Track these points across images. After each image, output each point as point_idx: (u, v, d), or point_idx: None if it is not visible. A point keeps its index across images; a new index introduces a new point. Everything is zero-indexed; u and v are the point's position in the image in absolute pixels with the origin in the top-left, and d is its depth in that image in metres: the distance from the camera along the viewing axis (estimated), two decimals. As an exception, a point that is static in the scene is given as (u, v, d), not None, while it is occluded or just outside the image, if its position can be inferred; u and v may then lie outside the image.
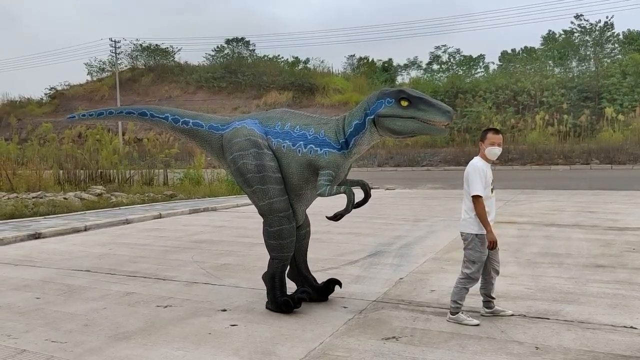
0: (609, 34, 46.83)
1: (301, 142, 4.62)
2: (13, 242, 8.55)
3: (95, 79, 59.86)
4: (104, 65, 59.60)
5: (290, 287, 4.99)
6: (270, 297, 4.75)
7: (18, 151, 26.04)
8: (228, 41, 58.53)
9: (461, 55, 53.55)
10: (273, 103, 46.56)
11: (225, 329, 4.31)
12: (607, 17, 54.92)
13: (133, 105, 5.93)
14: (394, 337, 4.03)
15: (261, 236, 4.87)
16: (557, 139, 33.93)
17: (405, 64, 56.15)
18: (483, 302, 4.52)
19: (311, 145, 4.58)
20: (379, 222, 10.31)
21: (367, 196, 4.86)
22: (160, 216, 11.68)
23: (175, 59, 58.94)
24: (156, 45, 58.51)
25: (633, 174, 23.70)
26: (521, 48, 50.59)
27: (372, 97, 4.49)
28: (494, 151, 4.38)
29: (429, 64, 54.78)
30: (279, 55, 58.23)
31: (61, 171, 18.32)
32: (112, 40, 51.71)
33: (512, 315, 4.49)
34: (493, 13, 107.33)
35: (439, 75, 52.63)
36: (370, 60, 56.45)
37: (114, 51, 52.19)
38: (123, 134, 42.67)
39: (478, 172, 4.31)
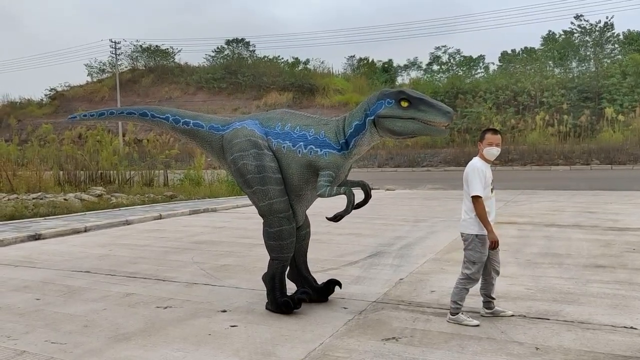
0: (609, 34, 46.86)
1: (301, 143, 4.62)
2: (13, 243, 8.55)
3: (95, 80, 59.90)
4: (104, 66, 59.67)
5: (290, 287, 4.99)
6: (270, 297, 4.75)
7: (18, 152, 26.05)
8: (228, 42, 58.61)
9: (461, 56, 53.61)
10: (273, 104, 46.57)
11: (225, 330, 4.30)
12: (607, 18, 54.94)
13: (134, 106, 5.94)
14: (394, 338, 4.03)
15: (261, 237, 4.87)
16: (557, 140, 33.93)
17: (405, 65, 56.24)
18: (483, 302, 4.52)
19: (311, 146, 4.58)
20: (379, 223, 10.31)
21: (367, 197, 4.85)
22: (160, 217, 11.68)
23: (176, 60, 59.03)
24: (156, 46, 58.59)
25: (633, 174, 23.70)
26: (521, 48, 50.67)
27: (372, 97, 4.49)
28: (492, 151, 4.38)
29: (429, 64, 54.83)
30: (279, 56, 58.34)
31: (61, 172, 18.33)
32: (112, 41, 51.82)
33: (512, 315, 4.49)
34: (493, 14, 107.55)
35: (439, 75, 52.66)
36: (370, 60, 56.50)
37: (114, 52, 52.27)
38: (123, 135, 42.68)
39: (477, 172, 4.31)
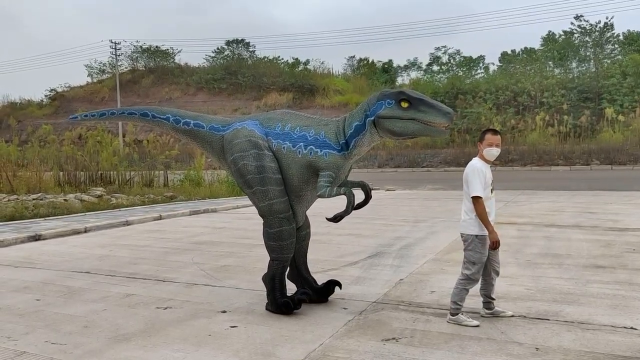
0: (608, 34, 46.86)
1: (301, 144, 4.62)
2: (13, 243, 8.55)
3: (95, 80, 59.90)
4: (104, 67, 59.67)
5: (290, 288, 4.99)
6: (270, 298, 4.75)
7: (18, 153, 26.05)
8: (228, 42, 58.61)
9: (461, 56, 53.61)
10: (273, 104, 46.57)
11: (225, 331, 4.31)
12: (607, 18, 54.90)
13: (134, 106, 5.94)
14: (393, 338, 4.03)
15: (261, 237, 4.87)
16: (557, 140, 33.92)
17: (405, 65, 56.22)
18: (483, 303, 4.52)
19: (311, 146, 4.58)
20: (379, 223, 10.31)
21: (367, 197, 4.85)
22: (160, 218, 11.68)
23: (176, 61, 59.04)
24: (156, 46, 58.59)
25: (633, 174, 23.69)
26: (521, 49, 50.66)
27: (373, 98, 4.49)
28: (492, 152, 4.38)
29: (429, 65, 54.83)
30: (279, 57, 58.38)
31: (61, 173, 18.33)
32: (112, 42, 51.84)
33: (512, 316, 4.49)
34: (493, 14, 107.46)
35: (439, 76, 52.66)
36: (370, 61, 56.50)
37: (114, 53, 52.29)
38: (123, 136, 42.68)
39: (477, 173, 4.31)
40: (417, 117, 4.23)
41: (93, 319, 4.68)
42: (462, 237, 4.43)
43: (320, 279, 5.33)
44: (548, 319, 4.42)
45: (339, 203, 5.69)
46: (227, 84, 52.12)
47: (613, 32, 46.70)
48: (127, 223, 10.81)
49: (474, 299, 4.66)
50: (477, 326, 4.24)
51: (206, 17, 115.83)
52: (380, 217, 11.18)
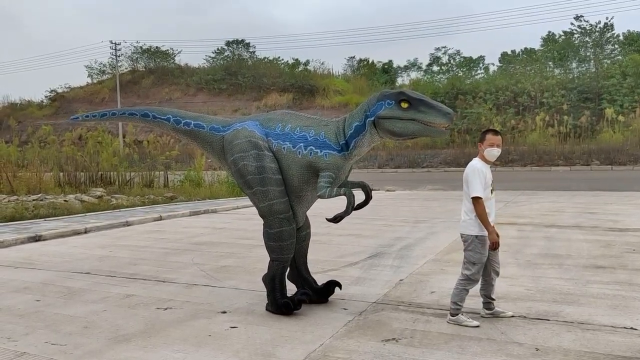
0: (608, 35, 46.87)
1: (301, 144, 4.62)
2: (13, 244, 8.55)
3: (95, 81, 59.92)
4: (105, 68, 59.68)
5: (290, 288, 4.99)
6: (270, 298, 4.75)
7: (18, 154, 26.08)
8: (228, 43, 58.62)
9: (461, 57, 53.63)
10: (273, 105, 46.58)
11: (225, 331, 4.31)
12: (607, 18, 54.94)
13: (135, 107, 5.95)
14: (394, 339, 4.03)
15: (261, 238, 4.87)
16: (558, 140, 33.92)
17: (405, 66, 56.24)
18: (483, 303, 4.52)
19: (311, 147, 4.58)
20: (379, 224, 10.31)
21: (367, 198, 4.85)
22: (160, 218, 11.68)
23: (176, 61, 59.07)
24: (156, 47, 58.62)
25: (633, 174, 23.69)
26: (521, 49, 50.69)
27: (372, 98, 4.49)
28: (493, 152, 4.38)
29: (429, 65, 54.84)
30: (279, 57, 58.37)
31: (61, 173, 18.33)
32: (112, 43, 51.87)
33: (512, 316, 4.49)
34: (493, 14, 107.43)
35: (439, 76, 52.67)
36: (370, 61, 56.51)
37: (114, 53, 52.31)
38: (123, 136, 42.70)
39: (477, 173, 4.31)
40: (417, 117, 4.23)
41: (93, 319, 4.68)
42: (462, 237, 4.43)
43: (320, 279, 5.33)
44: (548, 320, 4.42)
45: (339, 203, 5.69)
46: (227, 85, 52.14)
47: (613, 32, 46.74)
48: (127, 224, 10.81)
49: (474, 300, 4.65)
50: (477, 326, 4.24)
51: (206, 17, 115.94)
52: (380, 218, 11.18)
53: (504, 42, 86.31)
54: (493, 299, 4.50)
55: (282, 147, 4.70)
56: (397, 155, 35.38)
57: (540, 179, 22.81)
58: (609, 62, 43.87)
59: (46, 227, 10.06)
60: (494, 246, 4.29)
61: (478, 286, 4.44)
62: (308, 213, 5.13)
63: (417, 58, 56.78)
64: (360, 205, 4.75)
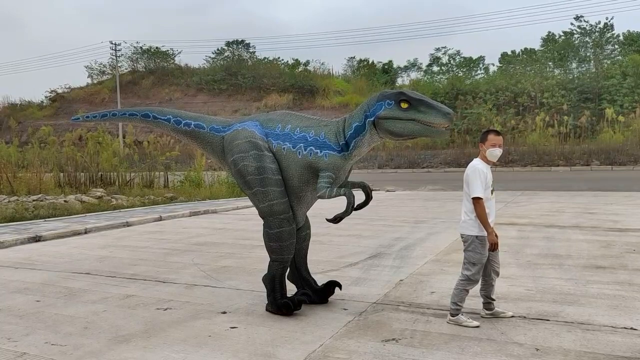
0: (608, 35, 46.90)
1: (301, 144, 4.62)
2: (13, 245, 8.56)
3: (95, 81, 59.97)
4: (105, 68, 59.75)
5: (290, 289, 4.99)
6: (270, 299, 4.75)
7: (18, 154, 26.06)
8: (228, 43, 58.65)
9: (461, 57, 53.66)
10: (273, 105, 46.60)
11: (225, 332, 4.31)
12: (607, 19, 55.01)
13: (136, 107, 5.96)
14: (394, 339, 4.03)
15: (261, 238, 4.87)
16: (558, 140, 33.93)
17: (405, 66, 56.31)
18: (483, 303, 4.52)
19: (311, 147, 4.58)
20: (379, 224, 10.31)
21: (367, 198, 4.85)
22: (160, 219, 11.68)
23: (176, 62, 59.09)
24: (156, 47, 58.65)
25: (633, 175, 23.69)
26: (521, 49, 50.67)
27: (372, 99, 4.48)
28: (495, 152, 4.38)
29: (429, 65, 54.88)
30: (279, 58, 58.41)
31: (61, 174, 18.33)
32: (112, 43, 51.94)
33: (512, 316, 4.49)
34: (493, 15, 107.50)
35: (439, 76, 52.70)
36: (370, 62, 56.55)
37: (114, 54, 52.37)
38: (123, 137, 42.70)
39: (478, 173, 4.30)
40: (416, 117, 4.22)
41: (93, 320, 4.68)
42: (462, 237, 4.43)
43: (321, 279, 5.34)
44: (548, 320, 4.42)
45: (340, 204, 5.69)
46: (227, 85, 52.16)
47: (613, 32, 46.76)
48: (127, 224, 10.81)
49: (474, 300, 4.65)
50: (477, 327, 4.24)
51: (206, 18, 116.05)
52: (381, 218, 11.18)
53: (504, 43, 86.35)
54: (493, 299, 4.50)
55: (282, 148, 4.70)
56: (397, 155, 35.38)
57: (540, 179, 22.81)
58: (609, 62, 43.89)
59: (46, 227, 10.06)
60: (493, 247, 4.29)
61: (478, 286, 4.44)
62: (308, 213, 5.13)
63: (417, 58, 56.91)
64: (361, 206, 4.75)
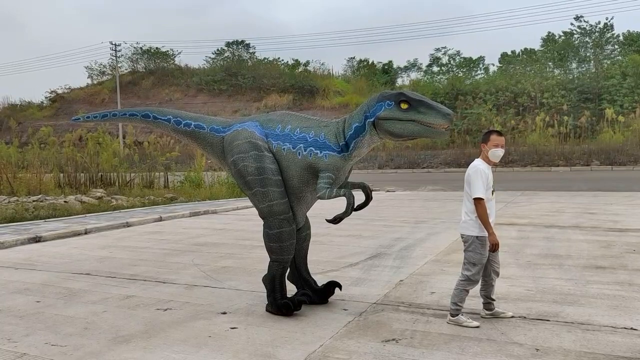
0: (608, 35, 46.91)
1: (301, 145, 4.62)
2: (13, 245, 8.56)
3: (95, 82, 60.00)
4: (105, 69, 59.77)
5: (290, 289, 4.99)
6: (270, 299, 4.75)
7: (18, 155, 26.05)
8: (228, 44, 58.69)
9: (461, 57, 53.68)
10: (273, 105, 46.62)
11: (225, 332, 4.31)
12: (607, 19, 55.01)
13: (136, 108, 5.96)
14: (394, 339, 4.03)
15: (261, 239, 4.87)
16: (558, 141, 33.94)
17: (405, 66, 56.33)
18: (483, 304, 4.52)
19: (311, 147, 4.58)
20: (379, 224, 10.31)
21: (367, 199, 4.85)
22: (160, 219, 11.68)
23: (176, 62, 59.11)
24: (156, 48, 58.71)
25: (633, 175, 23.69)
26: (521, 50, 50.72)
27: (372, 99, 4.49)
28: (497, 153, 4.37)
29: (429, 66, 54.90)
30: (279, 58, 58.46)
31: (61, 174, 18.33)
32: (112, 44, 51.93)
33: (512, 317, 4.49)
34: (493, 15, 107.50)
35: (439, 77, 52.71)
36: (370, 62, 56.57)
37: (114, 54, 52.37)
38: (123, 137, 42.72)
39: (480, 174, 4.30)
40: (416, 118, 4.22)
41: (93, 320, 4.68)
42: (462, 238, 4.43)
43: (321, 280, 5.34)
44: (548, 320, 4.42)
45: (340, 204, 5.69)
46: (227, 86, 52.18)
47: (613, 32, 46.77)
48: (127, 224, 10.81)
49: (474, 300, 4.66)
50: (477, 327, 4.24)
51: (206, 18, 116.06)
52: (381, 218, 11.18)
53: (504, 43, 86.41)
54: (493, 300, 4.50)
55: (282, 148, 4.70)
56: (397, 155, 35.40)
57: (540, 179, 22.82)
58: (609, 62, 43.89)
59: (46, 228, 10.06)
60: (494, 248, 4.29)
61: (478, 287, 4.44)
62: (308, 214, 5.13)
63: (417, 58, 56.97)
64: (360, 206, 4.75)
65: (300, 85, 49.68)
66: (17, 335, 4.32)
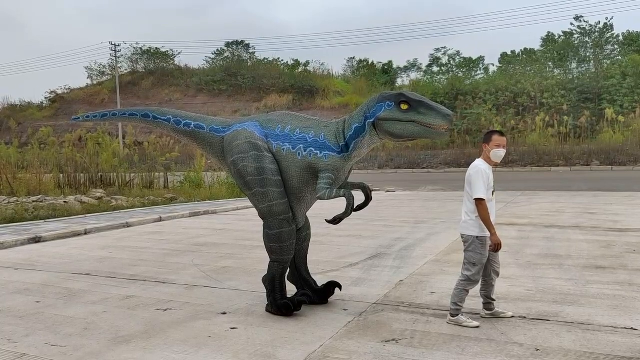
0: (608, 35, 46.91)
1: (301, 145, 4.62)
2: (13, 246, 8.55)
3: (95, 82, 59.99)
4: (104, 69, 59.76)
5: (290, 289, 4.99)
6: (270, 299, 4.75)
7: (18, 155, 26.04)
8: (228, 44, 58.68)
9: (461, 57, 53.67)
10: (273, 106, 46.62)
11: (225, 332, 4.30)
12: (606, 19, 55.00)
13: (136, 107, 5.96)
14: (394, 340, 4.03)
15: (261, 239, 4.87)
16: (558, 141, 33.94)
17: (405, 66, 56.33)
18: (483, 304, 4.52)
19: (311, 148, 4.58)
20: (379, 224, 10.30)
21: (367, 199, 4.84)
22: (160, 219, 11.68)
23: (176, 62, 59.11)
24: (156, 48, 58.67)
25: (633, 175, 23.69)
26: (521, 50, 50.71)
27: (372, 100, 4.48)
28: (499, 153, 4.37)
29: (429, 66, 54.90)
30: (279, 58, 58.47)
31: (61, 175, 18.33)
32: (112, 44, 51.92)
33: (512, 317, 4.49)
34: (493, 15, 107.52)
35: (439, 77, 52.71)
36: (370, 62, 56.56)
37: (114, 55, 52.34)
38: (123, 137, 42.72)
39: (481, 174, 4.30)
40: (416, 119, 4.22)
41: (93, 320, 4.68)
42: (462, 238, 4.43)
43: (321, 280, 5.34)
44: (548, 320, 4.41)
45: (340, 204, 5.69)
46: (227, 86, 52.18)
47: (613, 32, 46.77)
48: (127, 225, 10.81)
49: (474, 300, 4.65)
50: (477, 327, 4.24)
51: (206, 18, 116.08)
52: (380, 218, 11.18)
53: (504, 43, 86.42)
54: (493, 300, 4.50)
55: (282, 149, 4.70)
56: (397, 156, 35.40)
57: (540, 179, 22.82)
58: (608, 62, 43.90)
59: (46, 228, 10.05)
60: (496, 248, 4.28)
61: (478, 287, 4.44)
62: (308, 214, 5.13)
63: (417, 59, 57.00)
64: (360, 207, 4.75)
65: (300, 85, 49.68)
66: (17, 336, 4.32)
